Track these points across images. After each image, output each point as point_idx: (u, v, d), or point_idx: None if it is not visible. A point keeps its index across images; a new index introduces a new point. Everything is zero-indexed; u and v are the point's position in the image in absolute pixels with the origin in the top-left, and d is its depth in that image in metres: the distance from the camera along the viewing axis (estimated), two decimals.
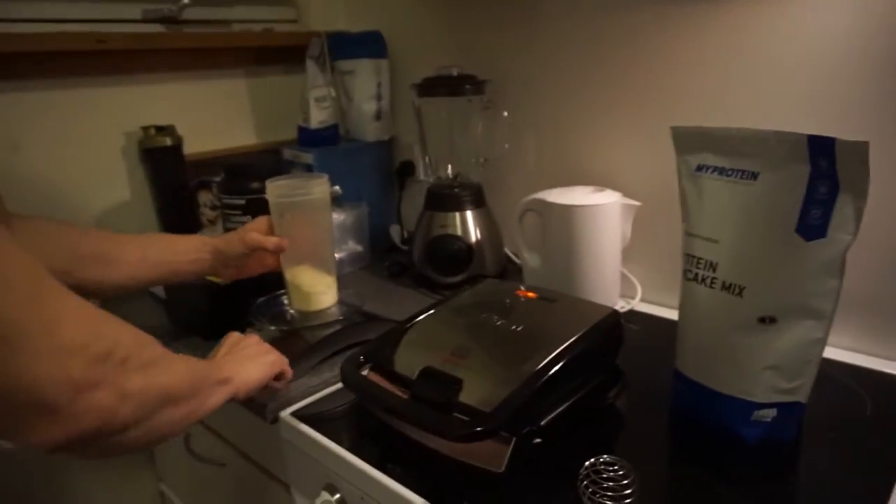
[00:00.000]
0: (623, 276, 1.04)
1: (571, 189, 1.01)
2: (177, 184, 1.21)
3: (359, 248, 1.27)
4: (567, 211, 0.96)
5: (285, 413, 0.79)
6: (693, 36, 0.91)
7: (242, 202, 1.04)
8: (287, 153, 1.29)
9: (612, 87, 1.02)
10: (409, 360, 0.71)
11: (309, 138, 1.29)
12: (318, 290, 0.95)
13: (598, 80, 1.03)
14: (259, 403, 0.80)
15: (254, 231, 0.90)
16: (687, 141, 0.71)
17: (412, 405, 0.65)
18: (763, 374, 0.65)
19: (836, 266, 0.61)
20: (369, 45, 1.29)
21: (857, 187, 0.58)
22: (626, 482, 0.59)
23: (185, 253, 0.88)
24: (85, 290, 0.71)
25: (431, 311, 0.80)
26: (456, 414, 0.62)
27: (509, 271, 1.17)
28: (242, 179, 1.04)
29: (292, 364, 0.82)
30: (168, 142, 1.18)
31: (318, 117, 1.27)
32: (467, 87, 1.09)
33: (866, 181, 0.57)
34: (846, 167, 0.57)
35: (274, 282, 1.00)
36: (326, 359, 0.88)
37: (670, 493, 0.63)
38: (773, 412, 0.66)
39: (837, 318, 0.77)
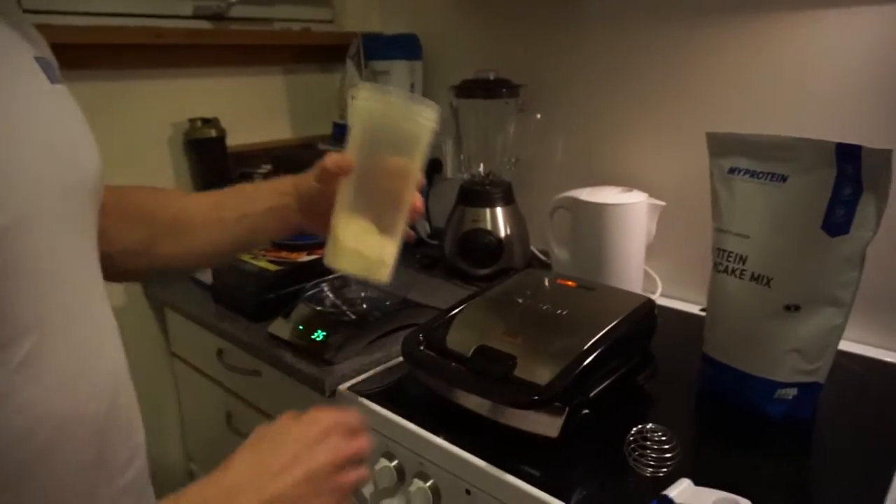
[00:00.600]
0: (645, 273, 1.12)
1: (601, 189, 1.08)
2: (220, 174, 1.26)
3: None
4: (598, 209, 1.03)
5: (342, 387, 0.85)
6: (726, 50, 0.98)
7: None
8: (323, 148, 1.35)
9: (643, 95, 1.09)
10: (462, 340, 0.78)
11: (344, 134, 1.35)
12: (378, 257, 0.70)
13: (628, 89, 1.11)
14: (315, 378, 0.86)
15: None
16: (721, 145, 0.78)
17: (474, 377, 0.72)
18: (787, 357, 0.72)
19: (856, 259, 0.68)
20: (404, 46, 1.36)
21: (879, 190, 0.65)
22: (667, 447, 0.66)
23: (265, 199, 0.74)
24: (164, 266, 0.77)
25: (478, 297, 0.87)
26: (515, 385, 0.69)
27: (535, 266, 1.24)
28: (290, 170, 1.10)
29: (345, 345, 0.89)
30: (213, 133, 1.24)
31: None
32: (504, 90, 1.16)
33: (888, 185, 0.65)
34: (870, 171, 0.65)
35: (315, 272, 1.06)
36: (376, 339, 0.95)
37: (705, 458, 0.69)
38: (794, 391, 0.73)
39: (854, 311, 0.86)
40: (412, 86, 1.38)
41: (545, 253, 1.23)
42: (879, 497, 0.60)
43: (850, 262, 0.68)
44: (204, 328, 1.10)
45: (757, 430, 0.73)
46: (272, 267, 1.05)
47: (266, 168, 1.24)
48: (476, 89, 1.17)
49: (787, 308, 0.71)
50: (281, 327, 0.97)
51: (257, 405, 1.07)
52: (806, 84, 0.91)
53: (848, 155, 0.66)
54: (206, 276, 1.16)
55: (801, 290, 0.71)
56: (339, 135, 1.37)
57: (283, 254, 1.11)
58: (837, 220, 0.68)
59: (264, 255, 1.11)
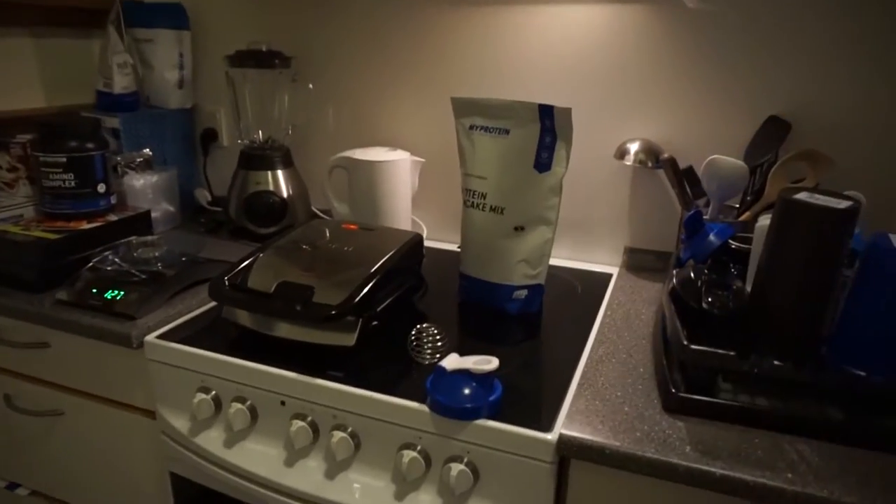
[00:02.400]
0: (413, 221, 1.32)
1: (371, 149, 1.25)
2: None
3: (171, 208, 1.35)
4: (369, 166, 1.20)
5: (149, 337, 0.91)
6: (468, 25, 1.21)
7: (63, 159, 1.07)
8: (87, 115, 1.31)
9: (401, 64, 1.28)
10: (263, 280, 0.89)
11: (110, 103, 1.32)
12: None
13: (388, 62, 1.28)
14: (120, 333, 0.90)
15: None
16: (462, 108, 0.99)
17: (279, 305, 0.84)
18: (518, 266, 0.97)
19: (557, 189, 0.94)
20: (171, 16, 1.37)
21: (566, 137, 0.92)
22: (439, 339, 0.86)
23: None
24: None
25: (270, 247, 0.98)
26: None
27: None
28: (62, 138, 1.08)
29: (145, 301, 0.94)
30: None
31: (121, 83, 1.31)
32: (276, 61, 1.25)
33: (571, 133, 0.91)
34: (560, 124, 0.91)
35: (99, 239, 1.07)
36: (177, 293, 1.00)
37: (467, 345, 0.91)
38: (525, 292, 0.99)
39: (557, 236, 1.15)
40: (181, 55, 1.39)
41: (325, 212, 1.37)
42: (578, 353, 0.87)
43: (553, 191, 0.94)
44: None
45: (502, 322, 0.97)
46: (50, 236, 1.03)
47: (25, 137, 1.17)
48: (249, 59, 1.25)
49: (516, 229, 0.96)
50: (70, 294, 0.97)
51: (45, 378, 1.05)
52: (524, 59, 1.18)
53: (546, 112, 0.91)
54: None
55: (524, 215, 0.95)
56: (104, 104, 1.33)
57: (59, 223, 1.09)
58: (543, 161, 0.93)
59: (37, 226, 1.07)
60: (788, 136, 1.02)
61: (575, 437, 0.67)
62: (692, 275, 0.79)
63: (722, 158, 0.95)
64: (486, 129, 0.97)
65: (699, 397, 0.70)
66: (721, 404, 0.69)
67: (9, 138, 1.18)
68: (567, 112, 0.90)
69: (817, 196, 0.69)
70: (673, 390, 0.71)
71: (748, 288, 0.78)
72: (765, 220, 0.79)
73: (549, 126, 0.92)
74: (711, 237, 0.89)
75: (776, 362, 0.68)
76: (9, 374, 1.08)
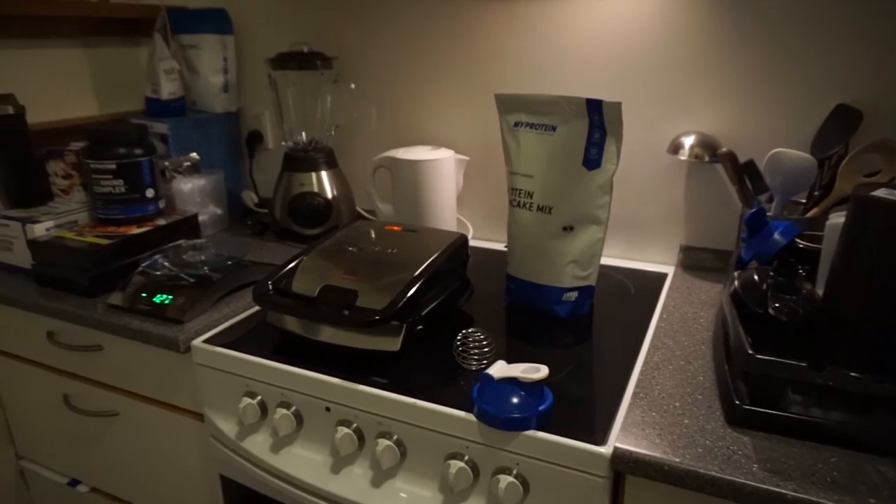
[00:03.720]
0: (458, 220, 1.29)
1: (414, 148, 1.23)
2: (21, 154, 1.19)
3: (218, 211, 1.36)
4: (413, 165, 1.18)
5: (196, 342, 0.91)
6: (510, 19, 1.17)
7: (113, 166, 1.09)
8: (137, 122, 1.33)
9: (444, 62, 1.25)
10: (307, 284, 0.88)
11: (158, 109, 1.34)
12: None
13: (429, 55, 1.26)
14: (168, 337, 0.91)
15: None
16: (507, 104, 0.96)
17: (323, 309, 0.83)
18: (567, 267, 0.93)
19: (607, 187, 0.90)
20: (214, 21, 1.38)
21: (617, 133, 0.87)
22: (486, 344, 0.83)
23: None
24: None
25: (314, 249, 0.97)
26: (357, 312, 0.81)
27: None
28: (109, 145, 1.09)
29: (192, 305, 0.94)
30: (10, 110, 1.16)
31: (169, 88, 1.33)
32: (318, 62, 1.24)
33: (621, 128, 0.87)
34: (610, 119, 0.86)
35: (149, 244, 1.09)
36: (223, 297, 1.01)
37: (515, 349, 0.87)
38: (575, 294, 0.95)
39: (608, 234, 1.11)
40: (225, 59, 1.40)
41: (370, 211, 1.36)
42: (632, 359, 0.83)
43: (604, 189, 0.90)
44: (28, 312, 1.06)
45: (550, 326, 0.93)
46: (103, 241, 1.05)
47: (78, 145, 1.20)
48: (291, 61, 1.24)
49: (565, 229, 0.92)
50: (121, 298, 0.99)
51: (100, 380, 1.07)
52: (568, 52, 1.13)
53: (594, 107, 0.87)
54: (16, 259, 1.11)
55: (572, 214, 0.91)
56: (152, 110, 1.35)
57: (111, 228, 1.11)
58: (592, 158, 0.89)
59: (90, 231, 1.09)
60: (860, 127, 0.94)
61: (631, 452, 0.64)
62: (756, 277, 0.74)
63: (787, 151, 0.89)
64: (531, 125, 0.93)
65: (767, 410, 0.65)
66: (791, 419, 0.64)
67: (63, 147, 1.20)
68: (617, 106, 0.85)
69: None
70: (737, 402, 0.67)
71: (819, 291, 0.72)
72: (837, 218, 0.74)
73: (598, 121, 0.87)
74: (776, 236, 0.84)
75: (853, 374, 0.62)
76: (67, 374, 1.11)
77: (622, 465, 0.64)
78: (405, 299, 0.82)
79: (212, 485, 1.01)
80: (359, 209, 1.38)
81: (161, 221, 1.15)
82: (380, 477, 0.79)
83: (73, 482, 1.21)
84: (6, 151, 1.19)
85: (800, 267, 0.80)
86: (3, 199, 1.23)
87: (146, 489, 1.12)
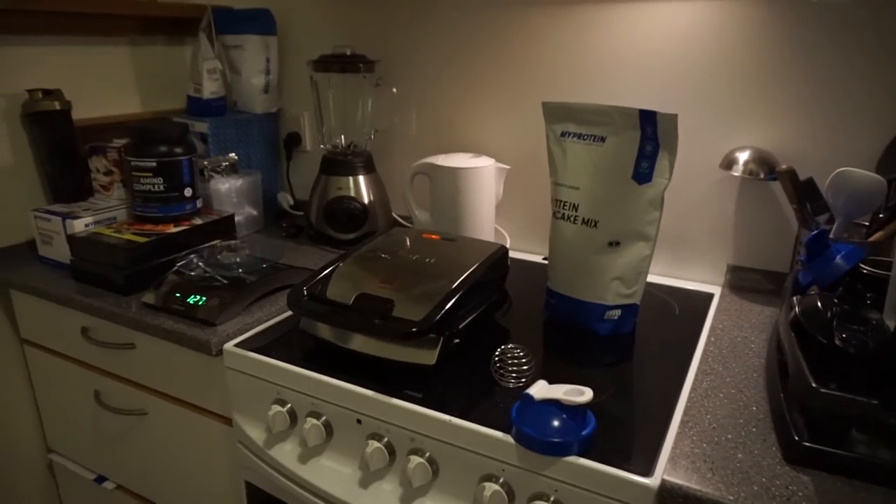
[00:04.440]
0: (496, 230, 1.26)
1: (453, 155, 1.21)
2: (66, 149, 1.20)
3: (254, 212, 1.36)
4: (452, 172, 1.15)
5: (228, 345, 0.89)
6: (557, 25, 1.14)
7: (153, 164, 1.09)
8: (179, 121, 1.33)
9: (488, 68, 1.22)
10: (342, 291, 0.86)
11: (199, 108, 1.35)
12: None
13: (472, 61, 1.23)
14: (200, 339, 0.90)
15: None
16: (554, 113, 0.92)
17: (358, 318, 0.81)
18: (611, 284, 0.89)
19: (658, 202, 0.86)
20: (258, 21, 1.38)
21: (670, 146, 0.83)
22: (525, 361, 0.80)
23: None
24: None
25: (350, 256, 0.95)
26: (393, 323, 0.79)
27: None
28: (151, 143, 1.09)
29: (226, 307, 0.93)
30: (56, 106, 1.18)
31: (210, 88, 1.33)
32: (361, 65, 1.23)
33: (676, 141, 0.83)
34: (664, 132, 0.83)
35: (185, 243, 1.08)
36: (256, 300, 0.99)
37: (555, 368, 0.84)
38: (618, 312, 0.91)
39: (655, 250, 1.06)
40: (267, 60, 1.40)
41: (406, 218, 1.34)
42: (678, 384, 0.79)
43: (654, 204, 0.86)
44: (65, 307, 1.06)
45: (592, 344, 0.90)
46: (140, 239, 1.05)
47: (120, 142, 1.21)
48: (333, 64, 1.23)
49: (610, 244, 0.88)
50: (155, 297, 0.98)
51: (130, 378, 1.07)
52: (618, 61, 1.10)
53: (648, 119, 0.83)
54: (56, 254, 1.12)
55: (619, 229, 0.88)
56: (193, 109, 1.35)
57: (148, 226, 1.11)
58: (643, 171, 0.85)
59: (127, 228, 1.09)
60: None
61: (680, 486, 0.60)
62: (819, 304, 0.69)
63: (854, 171, 0.84)
64: (579, 136, 0.90)
65: (830, 449, 0.60)
66: (857, 460, 0.59)
67: (106, 143, 1.21)
68: (672, 119, 0.82)
69: None
70: (796, 438, 0.62)
71: (889, 322, 0.67)
72: None
73: (651, 133, 0.84)
74: (838, 260, 0.79)
75: None
76: (99, 371, 1.11)
77: (670, 499, 0.60)
78: (443, 311, 0.79)
79: (237, 491, 0.99)
80: (395, 215, 1.36)
81: (198, 221, 1.15)
82: (410, 495, 0.76)
83: (100, 478, 1.21)
84: (51, 146, 1.20)
85: (867, 295, 0.75)
86: (46, 194, 1.24)
87: (171, 490, 1.11)
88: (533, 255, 1.25)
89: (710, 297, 1.05)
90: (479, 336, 0.89)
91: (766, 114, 1.00)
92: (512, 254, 1.26)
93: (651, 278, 1.13)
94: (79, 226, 1.10)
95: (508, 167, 1.20)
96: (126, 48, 1.36)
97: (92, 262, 1.06)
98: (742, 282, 1.08)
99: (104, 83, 1.33)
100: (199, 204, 1.17)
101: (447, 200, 1.17)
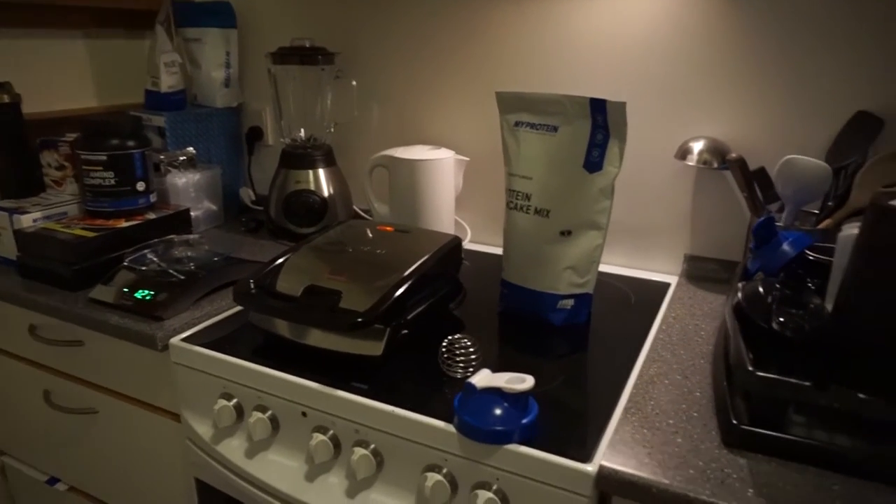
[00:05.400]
0: (456, 222, 1.26)
1: (413, 147, 1.20)
2: (16, 143, 1.17)
3: (213, 207, 1.34)
4: (411, 164, 1.14)
5: (174, 340, 0.88)
6: (516, 18, 1.14)
7: (104, 158, 1.07)
8: (135, 115, 1.31)
9: (445, 61, 1.22)
10: (292, 283, 0.84)
11: (158, 102, 1.32)
12: None
13: (433, 54, 1.22)
14: (145, 334, 0.88)
15: None
16: (508, 103, 0.92)
17: (304, 310, 0.79)
18: (564, 273, 0.89)
19: (609, 190, 0.86)
20: (218, 14, 1.36)
21: (620, 134, 0.83)
22: (472, 351, 0.79)
23: None
24: None
25: (303, 247, 0.93)
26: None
27: None
28: (101, 136, 1.07)
29: (174, 301, 0.91)
30: (5, 99, 1.15)
31: (168, 82, 1.31)
32: (320, 57, 1.22)
33: (625, 129, 0.82)
34: (613, 120, 0.82)
35: (137, 238, 1.06)
36: (205, 295, 0.98)
37: (505, 358, 0.83)
38: (571, 301, 0.91)
39: (611, 241, 1.07)
40: (227, 53, 1.38)
41: (367, 211, 1.33)
42: (627, 372, 0.78)
43: (605, 193, 0.86)
44: (12, 304, 1.04)
45: (546, 334, 0.89)
46: (88, 234, 1.02)
47: (72, 136, 1.18)
48: (292, 56, 1.22)
49: (562, 233, 0.88)
50: (103, 293, 0.96)
51: (81, 377, 1.04)
52: (575, 53, 1.09)
53: (598, 107, 0.83)
54: (3, 250, 1.09)
55: (571, 218, 0.87)
56: (151, 103, 1.33)
57: (99, 221, 1.08)
58: (594, 160, 0.85)
59: (77, 224, 1.07)
60: (880, 135, 0.89)
61: (617, 471, 0.59)
62: (761, 289, 0.69)
63: (800, 159, 0.84)
64: (532, 125, 0.89)
65: (766, 432, 0.60)
66: (792, 441, 0.59)
67: (58, 137, 1.18)
68: (621, 106, 0.81)
69: None
70: (735, 422, 0.62)
71: (828, 307, 0.67)
72: (851, 230, 0.69)
73: (602, 122, 0.83)
74: (785, 246, 0.79)
75: (862, 396, 0.57)
76: (48, 370, 1.09)
77: (607, 485, 0.60)
78: (389, 302, 0.78)
79: (188, 489, 0.97)
80: (356, 208, 1.35)
81: (151, 216, 1.13)
82: (355, 487, 0.75)
83: (52, 480, 1.18)
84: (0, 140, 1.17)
85: (810, 281, 0.75)
86: None
87: (123, 490, 1.09)
88: (494, 248, 1.24)
89: (666, 286, 1.05)
90: (431, 328, 0.88)
91: (721, 104, 1.01)
92: (473, 246, 1.26)
93: (610, 269, 1.13)
94: (27, 221, 1.07)
95: (468, 159, 1.20)
96: (81, 41, 1.34)
97: (39, 257, 1.03)
98: (698, 271, 1.08)
99: (59, 76, 1.31)
100: (152, 198, 1.15)
101: (406, 193, 1.16)
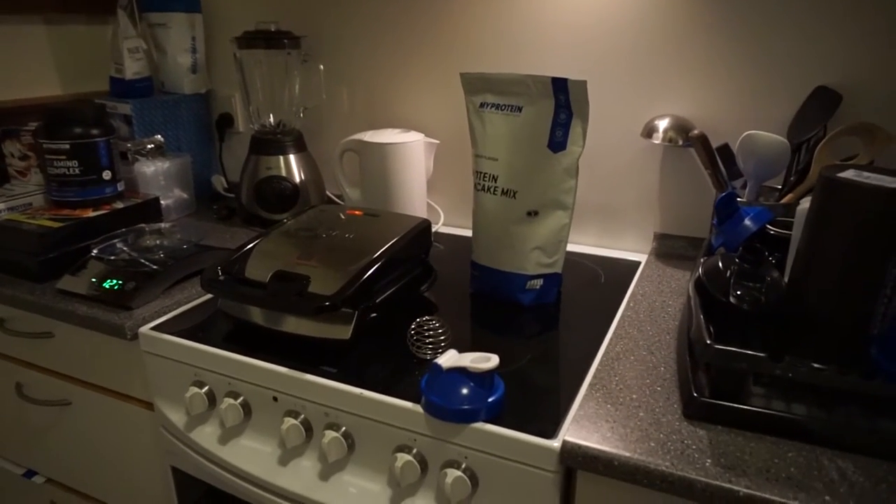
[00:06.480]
0: (428, 205, 1.26)
1: (383, 131, 1.19)
2: None
3: (184, 195, 1.32)
4: (380, 148, 1.14)
5: (143, 329, 0.87)
6: (474, 5, 1.13)
7: (67, 146, 1.05)
8: (100, 102, 1.29)
9: (412, 43, 1.21)
10: (260, 269, 0.84)
11: (123, 89, 1.30)
12: None
13: (401, 36, 1.21)
14: (114, 324, 0.87)
15: None
16: (472, 84, 0.92)
17: (271, 296, 0.79)
18: (532, 254, 0.90)
19: (573, 170, 0.86)
20: None
21: (582, 113, 0.83)
22: (441, 332, 0.80)
23: None
24: None
25: (272, 232, 0.93)
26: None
27: None
28: (64, 124, 1.05)
29: (142, 290, 0.91)
30: None
31: (133, 68, 1.29)
32: (285, 41, 1.20)
33: (587, 108, 0.83)
34: (575, 99, 0.83)
35: (104, 227, 1.05)
36: (175, 283, 0.97)
37: (474, 339, 0.84)
38: (540, 281, 0.91)
39: (582, 221, 1.08)
40: (193, 39, 1.36)
41: (340, 196, 1.32)
42: (594, 350, 0.79)
43: (569, 173, 0.86)
44: None
45: (516, 315, 0.90)
46: (54, 224, 1.01)
47: (34, 125, 1.16)
48: (258, 40, 1.20)
49: (529, 214, 0.88)
50: (72, 283, 0.95)
51: (52, 368, 1.04)
52: (542, 32, 1.09)
53: (560, 86, 0.83)
54: None
55: (537, 198, 0.88)
56: (117, 90, 1.31)
57: (66, 211, 1.07)
58: (558, 140, 0.85)
59: (43, 214, 1.06)
60: (839, 109, 0.91)
61: (579, 446, 0.60)
62: (720, 264, 0.71)
63: (759, 134, 0.85)
64: (497, 106, 0.89)
65: (724, 403, 0.61)
66: (750, 412, 0.61)
67: (20, 126, 1.16)
68: (582, 85, 0.82)
69: (866, 174, 0.59)
70: (695, 394, 0.63)
71: (785, 279, 0.69)
72: (806, 203, 0.70)
73: (564, 101, 0.83)
74: (747, 222, 0.80)
75: (816, 365, 0.59)
76: (19, 363, 1.08)
77: (571, 459, 0.61)
78: (357, 285, 0.78)
79: (164, 477, 0.97)
80: (329, 194, 1.34)
81: (119, 205, 1.11)
82: (328, 470, 0.76)
83: (29, 473, 1.18)
84: None
85: (770, 255, 0.76)
86: None
87: (101, 481, 1.09)
88: (466, 230, 1.24)
89: (636, 265, 1.06)
90: (401, 311, 0.89)
91: (685, 81, 1.01)
92: (445, 229, 1.26)
93: (581, 248, 1.14)
94: None
95: (437, 142, 1.20)
96: (42, 26, 1.30)
97: (5, 249, 1.02)
98: (667, 249, 1.10)
99: (19, 63, 1.28)
100: (120, 187, 1.14)
101: (377, 177, 1.16)
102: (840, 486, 0.53)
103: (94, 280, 0.94)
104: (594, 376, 0.72)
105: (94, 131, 1.08)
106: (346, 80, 1.30)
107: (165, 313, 0.91)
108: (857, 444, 0.58)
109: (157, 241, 1.03)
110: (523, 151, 0.87)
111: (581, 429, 0.63)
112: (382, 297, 0.84)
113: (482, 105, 0.91)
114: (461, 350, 0.71)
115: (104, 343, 0.94)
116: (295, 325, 0.81)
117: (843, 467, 0.56)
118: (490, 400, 0.66)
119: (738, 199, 0.83)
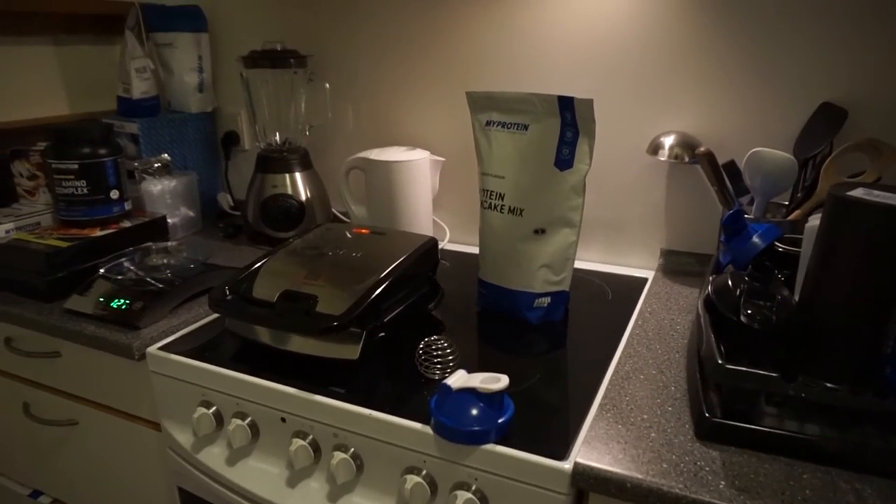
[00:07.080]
0: (434, 223, 1.26)
1: (388, 149, 1.20)
2: None
3: (191, 213, 1.33)
4: (386, 166, 1.14)
5: (151, 349, 0.87)
6: (487, 17, 1.14)
7: (75, 166, 1.06)
8: (108, 122, 1.30)
9: (422, 61, 1.21)
10: (268, 288, 0.84)
11: (130, 109, 1.31)
12: None
13: (405, 54, 1.22)
14: (122, 344, 0.87)
15: None
16: (478, 102, 0.92)
17: (279, 316, 0.79)
18: (539, 272, 0.89)
19: (580, 188, 0.86)
20: (189, 18, 1.35)
21: (589, 131, 0.83)
22: (450, 352, 0.80)
23: None
24: None
25: (280, 251, 0.93)
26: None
27: None
28: (73, 144, 1.06)
29: (150, 310, 0.91)
30: None
31: (140, 88, 1.30)
32: (291, 60, 1.21)
33: (594, 126, 0.83)
34: (581, 117, 0.83)
35: (112, 246, 1.05)
36: (182, 303, 0.97)
37: (482, 358, 0.84)
38: (547, 299, 0.91)
39: (588, 238, 1.08)
40: (199, 58, 1.37)
41: (346, 214, 1.33)
42: (603, 368, 0.79)
43: (576, 190, 0.87)
44: None
45: (523, 333, 0.89)
46: (62, 244, 1.01)
47: (43, 145, 1.17)
48: (264, 59, 1.21)
49: (536, 232, 0.88)
50: (79, 303, 0.95)
51: (59, 388, 1.04)
52: (546, 51, 1.10)
53: (566, 105, 0.83)
54: None
55: (544, 216, 0.88)
56: (124, 109, 1.32)
57: (73, 231, 1.07)
58: (564, 158, 0.85)
59: (51, 234, 1.06)
60: (845, 125, 0.91)
61: (591, 467, 0.60)
62: (730, 282, 0.70)
63: (766, 151, 0.85)
64: (503, 124, 0.89)
65: (737, 423, 0.61)
66: (762, 432, 0.60)
67: (28, 146, 1.17)
68: (588, 104, 0.82)
69: (875, 192, 0.59)
70: (707, 414, 0.63)
71: (796, 298, 0.69)
72: (815, 220, 0.70)
73: (570, 120, 0.84)
74: (755, 239, 0.80)
75: (829, 385, 0.58)
76: (26, 382, 1.08)
77: (583, 481, 0.60)
78: (365, 305, 0.78)
79: (171, 498, 0.97)
80: (335, 211, 1.34)
81: (126, 223, 1.12)
82: (336, 492, 0.75)
83: (35, 493, 1.17)
84: None
85: (779, 272, 0.76)
86: None
87: (107, 502, 1.08)
88: (473, 247, 1.24)
89: (643, 282, 1.06)
90: (409, 330, 0.88)
91: (691, 98, 1.02)
92: (452, 246, 1.26)
93: (588, 266, 1.14)
94: None
95: (443, 159, 1.20)
96: (50, 47, 1.32)
97: (12, 269, 1.02)
98: (675, 265, 1.09)
99: (28, 84, 1.29)
100: (127, 206, 1.14)
101: (383, 195, 1.16)
102: None
103: (101, 299, 0.94)
104: (604, 396, 0.72)
105: (102, 151, 1.08)
106: (352, 98, 1.30)
107: (173, 333, 0.91)
108: (873, 465, 0.57)
109: (164, 260, 1.04)
110: (530, 169, 0.87)
111: (592, 450, 0.62)
112: (390, 316, 0.84)
113: (488, 123, 0.91)
114: (469, 369, 0.70)
115: (111, 363, 0.94)
116: (303, 344, 0.81)
117: (860, 489, 0.55)
118: (500, 421, 0.65)
119: (746, 215, 0.83)
